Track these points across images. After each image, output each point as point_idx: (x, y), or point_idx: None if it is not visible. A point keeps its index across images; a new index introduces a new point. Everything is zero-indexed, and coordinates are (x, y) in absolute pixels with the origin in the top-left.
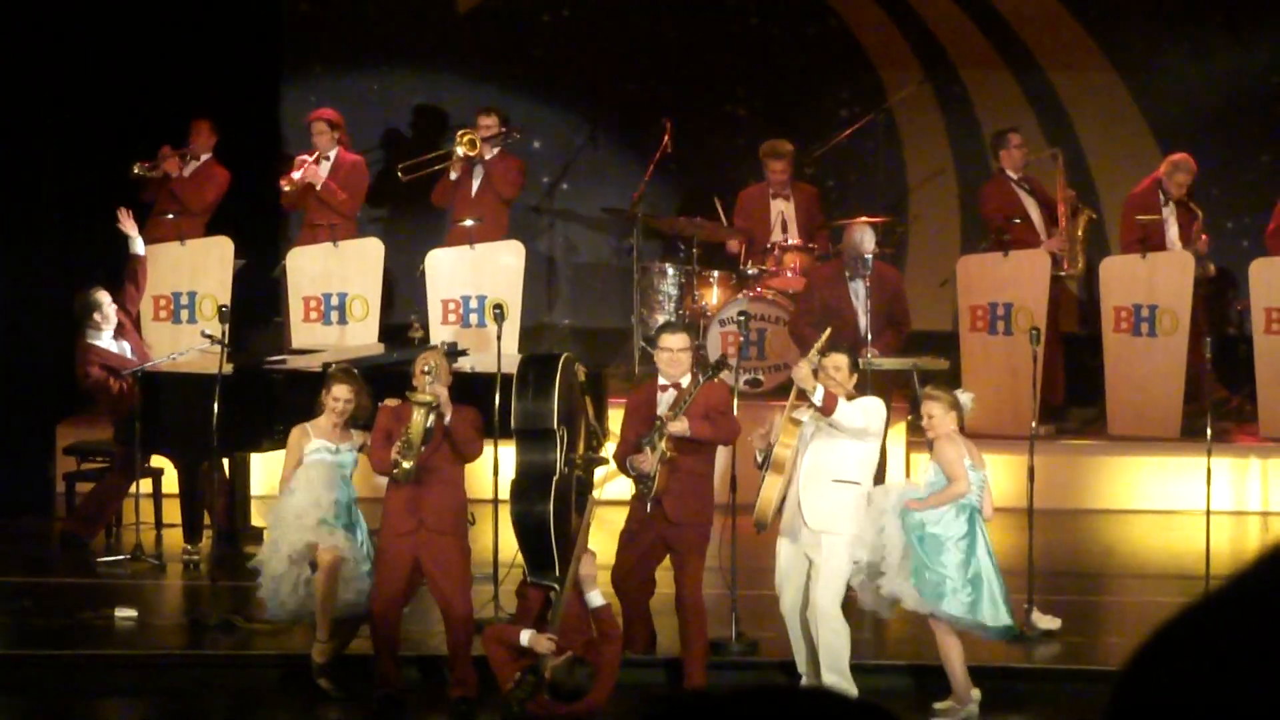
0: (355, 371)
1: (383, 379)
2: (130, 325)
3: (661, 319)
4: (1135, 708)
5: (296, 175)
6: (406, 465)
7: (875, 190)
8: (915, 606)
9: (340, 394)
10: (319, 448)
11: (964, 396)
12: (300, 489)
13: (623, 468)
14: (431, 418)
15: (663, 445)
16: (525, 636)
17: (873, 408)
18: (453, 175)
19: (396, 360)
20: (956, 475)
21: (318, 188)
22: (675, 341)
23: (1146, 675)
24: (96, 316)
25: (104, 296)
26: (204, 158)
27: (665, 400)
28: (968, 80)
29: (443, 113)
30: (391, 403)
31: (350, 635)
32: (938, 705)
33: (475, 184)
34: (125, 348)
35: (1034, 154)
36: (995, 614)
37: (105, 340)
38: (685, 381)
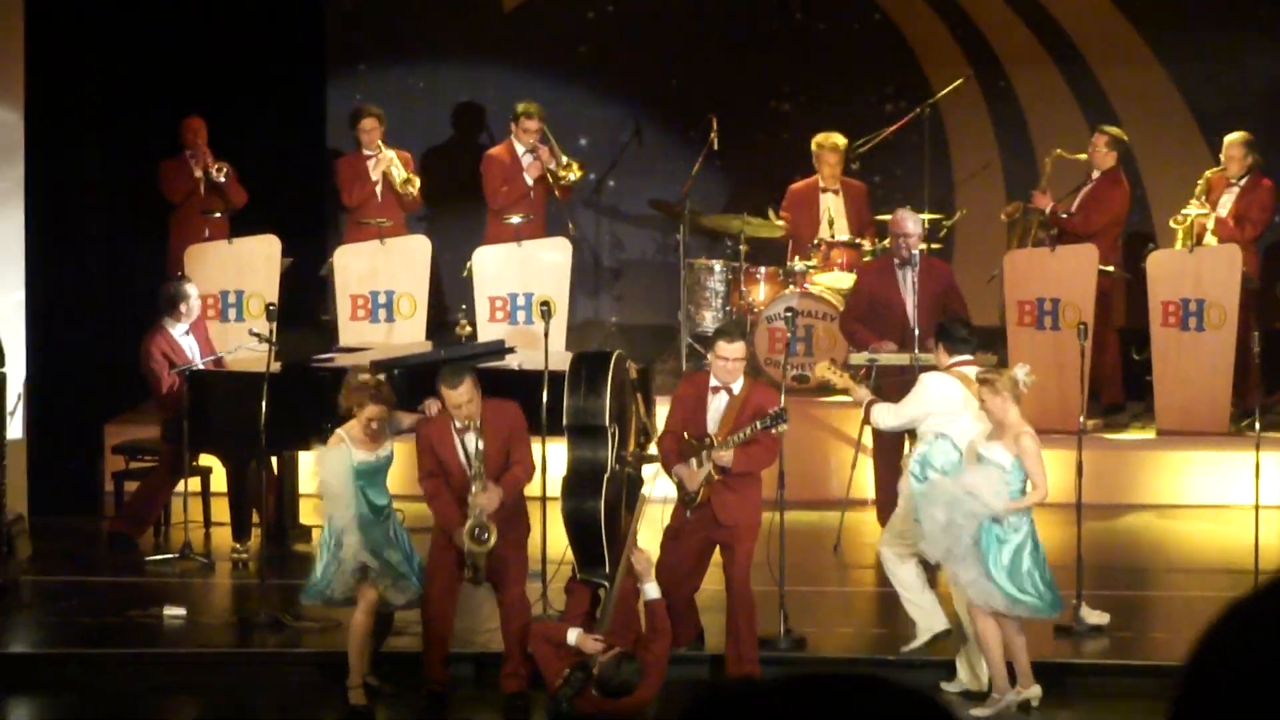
0: (383, 381)
1: (431, 376)
2: (204, 325)
3: (709, 315)
4: (1205, 690)
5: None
6: (470, 576)
7: (921, 186)
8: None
9: (373, 414)
10: (362, 462)
11: (1020, 372)
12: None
13: (665, 464)
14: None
15: (709, 468)
16: (573, 635)
17: (916, 394)
18: (529, 179)
19: (445, 358)
20: (1038, 479)
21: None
22: (733, 351)
23: (1215, 659)
24: (182, 307)
25: (192, 289)
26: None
27: (716, 406)
28: (1013, 75)
29: (486, 110)
30: (433, 407)
31: (383, 635)
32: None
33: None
34: (193, 344)
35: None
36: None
37: (177, 332)
38: (738, 388)
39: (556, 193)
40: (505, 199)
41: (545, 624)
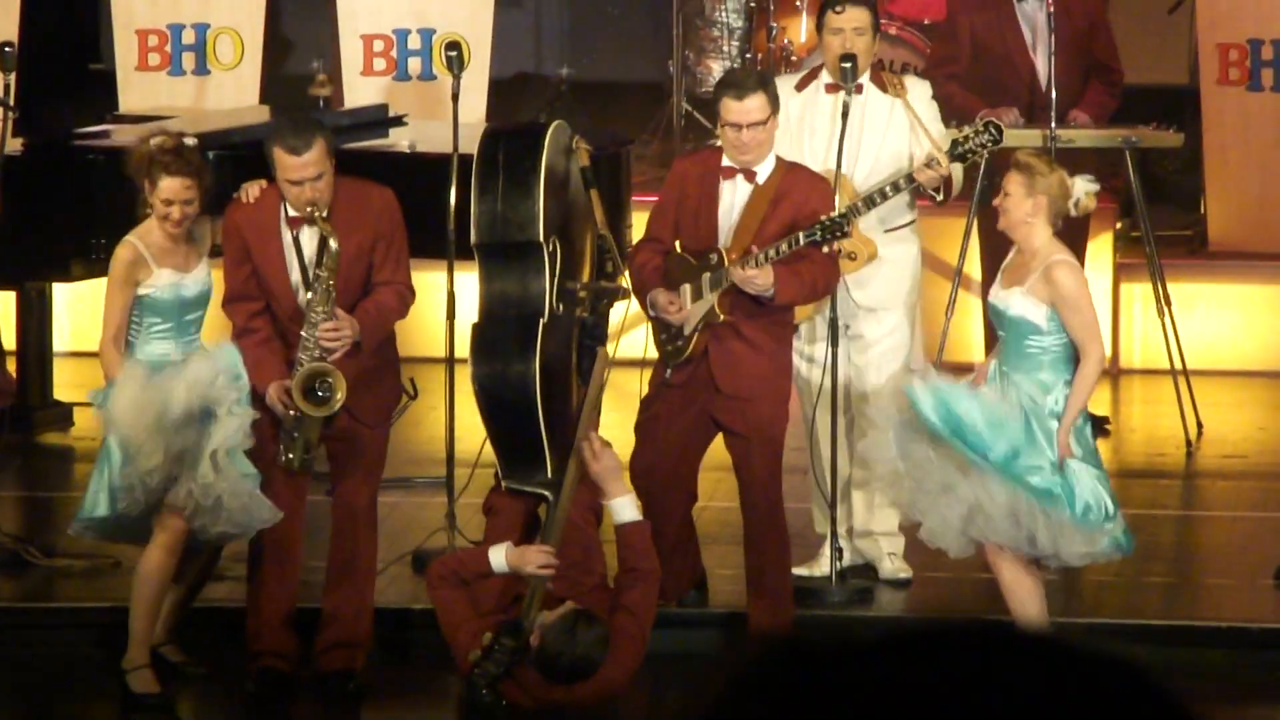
0: (191, 146)
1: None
2: None
3: (718, 66)
4: None
5: None
6: (291, 458)
7: None
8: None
9: (172, 192)
10: (164, 282)
11: (1081, 183)
12: (142, 370)
13: (639, 288)
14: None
15: (714, 299)
16: (497, 555)
17: None
18: None
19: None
20: (1089, 341)
21: None
22: (746, 112)
23: None
24: None
25: None
26: None
27: (731, 199)
28: None
29: None
30: (253, 190)
31: (204, 577)
32: None
33: None
34: None
35: None
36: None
37: None
38: (764, 172)
39: None
40: None
41: (453, 556)
